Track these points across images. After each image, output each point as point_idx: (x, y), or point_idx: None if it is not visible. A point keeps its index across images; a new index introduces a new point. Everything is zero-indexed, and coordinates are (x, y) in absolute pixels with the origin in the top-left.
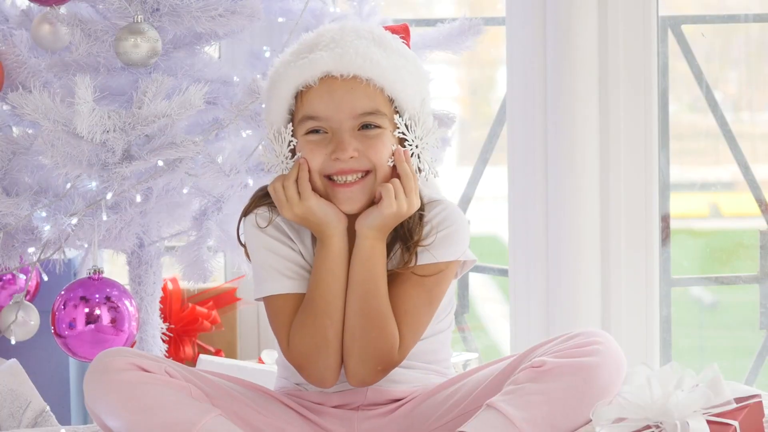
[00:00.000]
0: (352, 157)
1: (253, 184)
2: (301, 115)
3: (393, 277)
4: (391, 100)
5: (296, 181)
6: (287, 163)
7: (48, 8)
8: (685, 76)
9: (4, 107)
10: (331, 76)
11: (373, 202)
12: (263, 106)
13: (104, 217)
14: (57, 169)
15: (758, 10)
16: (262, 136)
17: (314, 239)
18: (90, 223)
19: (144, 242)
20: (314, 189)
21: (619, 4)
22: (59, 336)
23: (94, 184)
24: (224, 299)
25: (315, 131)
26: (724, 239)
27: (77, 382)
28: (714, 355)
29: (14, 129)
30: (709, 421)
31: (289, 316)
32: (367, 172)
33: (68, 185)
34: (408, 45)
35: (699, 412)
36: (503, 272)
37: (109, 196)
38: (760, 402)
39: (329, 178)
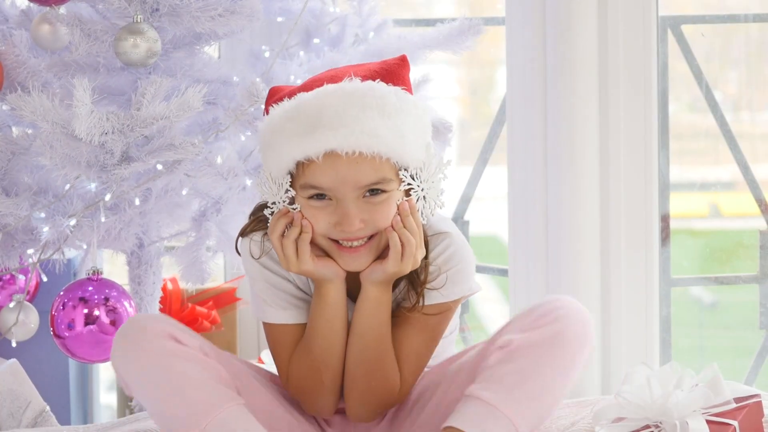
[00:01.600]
0: (359, 228)
1: (251, 185)
2: (303, 181)
3: (396, 318)
4: (397, 163)
5: (295, 239)
6: (282, 206)
7: (47, 8)
8: (684, 76)
9: (4, 107)
10: (335, 153)
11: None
12: (259, 144)
13: (102, 219)
14: (56, 170)
15: (758, 10)
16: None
17: None
18: (89, 224)
19: (144, 243)
20: (316, 246)
21: (619, 4)
22: (58, 337)
23: (93, 185)
24: (224, 299)
25: (319, 196)
26: (723, 239)
27: (77, 382)
28: (714, 355)
29: (14, 129)
30: (708, 421)
31: (287, 346)
32: (372, 235)
33: (67, 186)
34: (408, 83)
35: (698, 411)
36: (503, 272)
37: (107, 197)
38: (760, 402)
39: (334, 239)
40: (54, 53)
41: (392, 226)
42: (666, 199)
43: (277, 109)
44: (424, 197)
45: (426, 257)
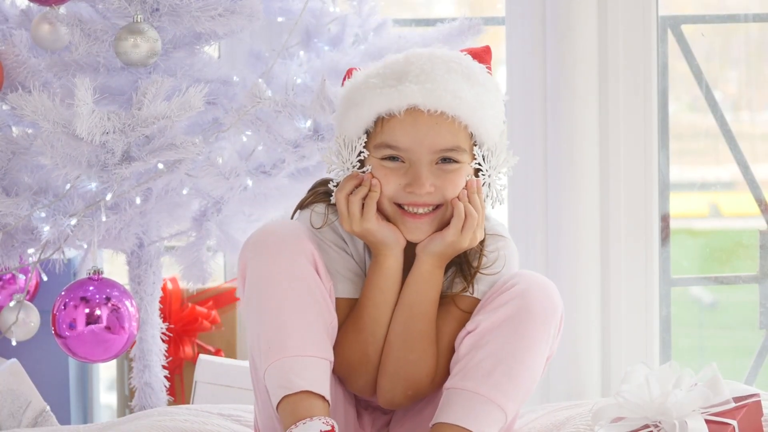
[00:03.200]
0: (427, 193)
1: (252, 185)
2: (380, 140)
3: (440, 308)
4: (472, 134)
5: (363, 198)
6: (351, 171)
7: (47, 8)
8: (684, 76)
9: (4, 107)
10: (417, 109)
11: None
12: (336, 110)
13: (103, 218)
14: (57, 169)
15: (758, 10)
16: (260, 139)
17: (367, 246)
18: (89, 223)
19: (144, 242)
20: (381, 211)
21: (619, 4)
22: (59, 336)
23: (93, 184)
24: (224, 299)
25: (392, 158)
26: (723, 239)
27: (77, 382)
28: (713, 355)
29: (14, 129)
30: (707, 421)
31: (339, 318)
32: (438, 205)
33: (68, 186)
34: (490, 69)
35: (698, 411)
36: None
37: (108, 197)
38: (759, 401)
39: (399, 205)
40: (54, 53)
41: (458, 198)
42: (666, 199)
43: (361, 71)
44: (489, 185)
45: (482, 247)
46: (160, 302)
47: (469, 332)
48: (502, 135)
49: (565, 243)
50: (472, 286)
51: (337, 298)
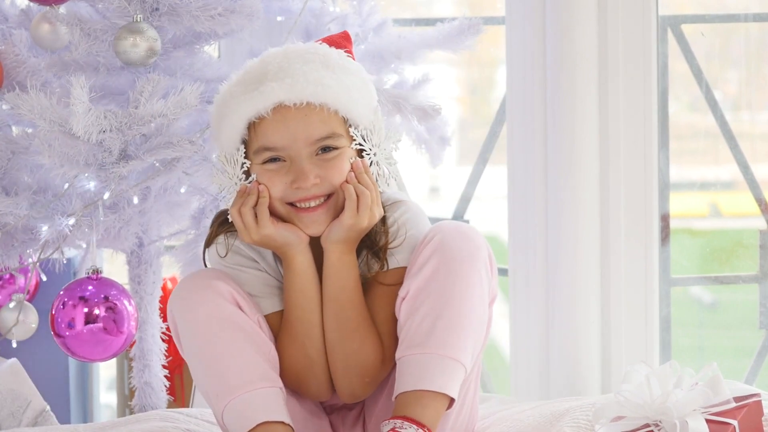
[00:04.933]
0: (314, 185)
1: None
2: (256, 146)
3: (365, 291)
4: (345, 118)
5: (254, 207)
6: (239, 185)
7: (47, 7)
8: (684, 75)
9: (3, 107)
10: (284, 105)
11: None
12: (211, 127)
13: (101, 217)
14: (55, 168)
15: (758, 10)
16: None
17: (276, 255)
18: (88, 223)
19: (143, 242)
20: (275, 214)
21: (619, 3)
22: (59, 336)
23: (92, 184)
24: None
25: (273, 159)
26: (723, 239)
27: (77, 381)
28: (713, 355)
29: (13, 129)
30: (708, 420)
31: (274, 334)
32: (329, 195)
33: (66, 185)
34: (351, 54)
35: (698, 411)
36: (503, 272)
37: (106, 196)
38: (760, 401)
39: (291, 204)
40: (54, 53)
41: (347, 181)
42: (666, 198)
43: (224, 84)
44: (377, 163)
45: (384, 223)
46: (160, 302)
47: (402, 299)
48: (377, 112)
49: (565, 243)
50: (386, 263)
51: (266, 316)
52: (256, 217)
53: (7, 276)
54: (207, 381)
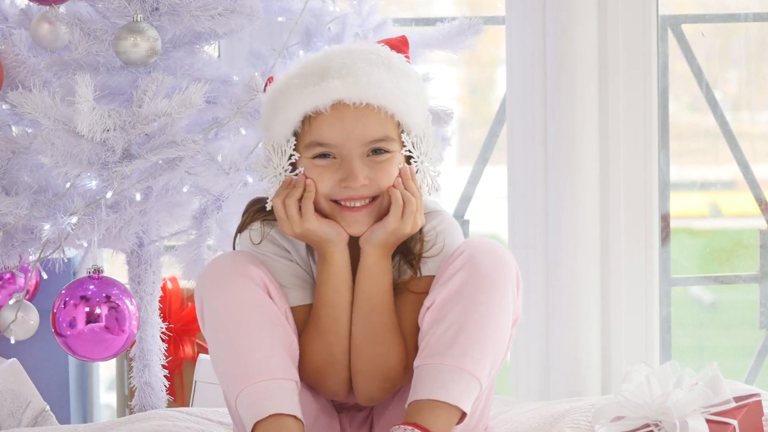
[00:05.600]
0: (363, 185)
1: (252, 182)
2: (309, 140)
3: (395, 297)
4: (399, 123)
5: (299, 199)
6: (284, 176)
7: (47, 7)
8: (684, 75)
9: (4, 106)
10: (343, 103)
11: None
12: (262, 116)
13: (104, 216)
14: (57, 168)
15: (758, 10)
16: (260, 137)
17: (309, 248)
18: (89, 222)
19: (144, 241)
20: (317, 209)
21: (619, 3)
22: (60, 335)
23: (94, 183)
24: None
25: (323, 155)
26: (723, 239)
27: (77, 381)
28: (714, 355)
29: (13, 128)
30: (708, 420)
31: (298, 327)
32: (374, 197)
33: (68, 185)
34: (408, 59)
35: (698, 411)
36: None
37: (109, 195)
38: (760, 401)
39: (336, 201)
40: (54, 52)
41: (394, 186)
42: (666, 198)
43: (281, 75)
44: (423, 171)
45: (420, 231)
46: (160, 302)
47: (427, 308)
48: (428, 121)
49: (565, 243)
50: (419, 271)
51: (292, 308)
52: (299, 209)
53: (8, 276)
54: (226, 363)
